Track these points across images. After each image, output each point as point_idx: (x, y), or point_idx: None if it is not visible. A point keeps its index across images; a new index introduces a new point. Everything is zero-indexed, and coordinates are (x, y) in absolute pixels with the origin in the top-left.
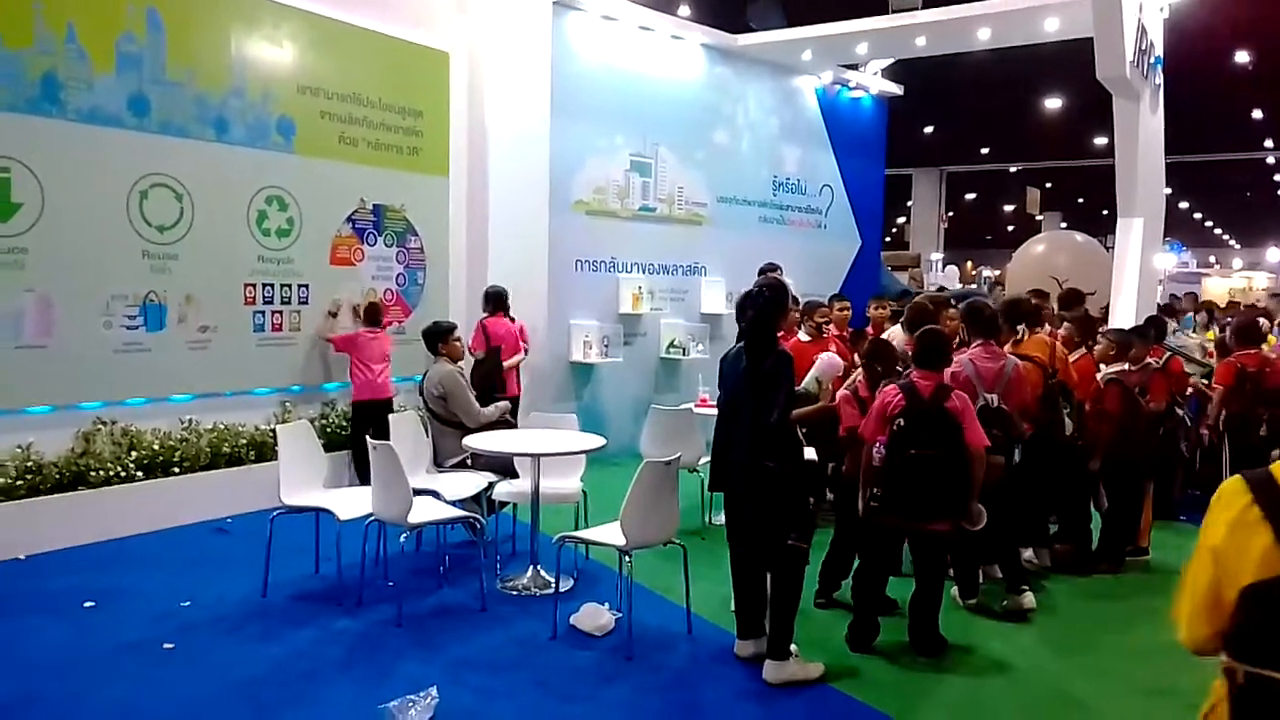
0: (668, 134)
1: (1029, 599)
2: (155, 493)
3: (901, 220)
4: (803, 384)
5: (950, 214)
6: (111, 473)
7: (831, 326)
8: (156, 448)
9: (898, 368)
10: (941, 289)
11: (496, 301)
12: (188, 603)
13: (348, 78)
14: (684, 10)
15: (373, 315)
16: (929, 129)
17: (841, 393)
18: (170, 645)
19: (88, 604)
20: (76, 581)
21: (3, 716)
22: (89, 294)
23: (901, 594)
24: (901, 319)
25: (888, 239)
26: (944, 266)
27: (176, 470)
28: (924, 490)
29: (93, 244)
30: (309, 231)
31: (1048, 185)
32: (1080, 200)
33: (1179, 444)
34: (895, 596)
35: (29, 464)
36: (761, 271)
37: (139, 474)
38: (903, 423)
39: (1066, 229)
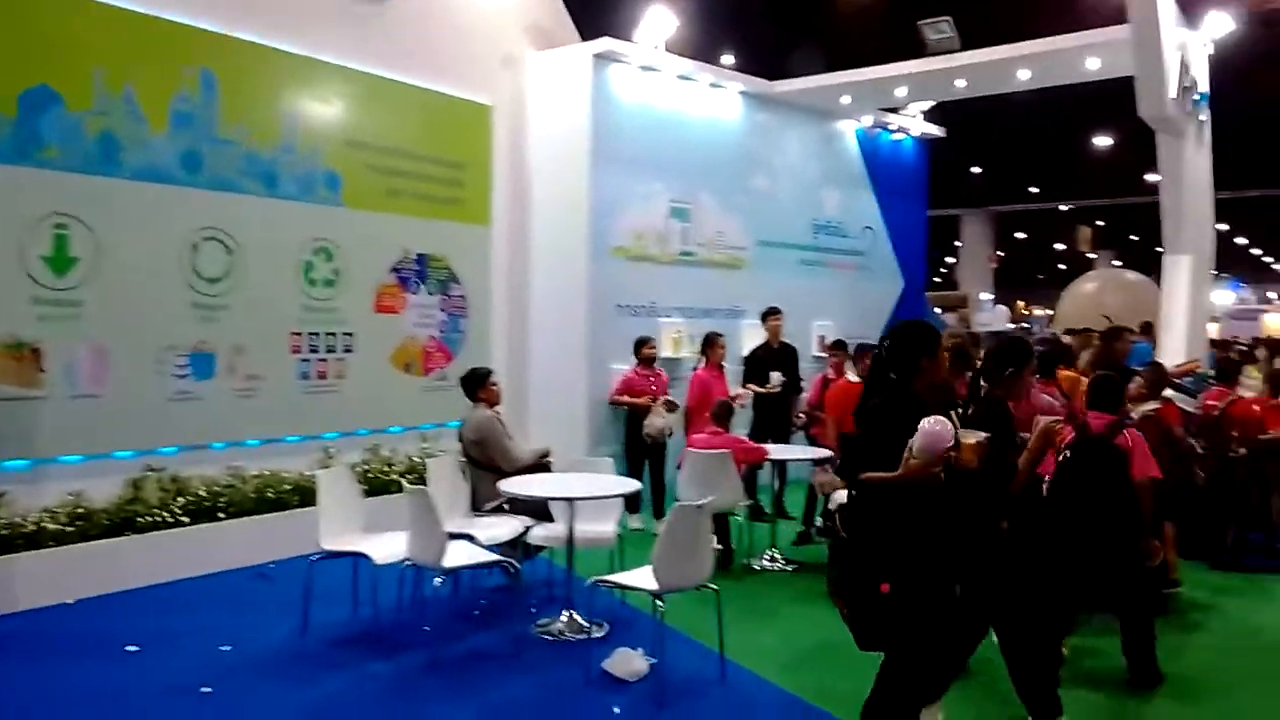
0: (708, 180)
1: None
2: (200, 538)
3: (951, 261)
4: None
5: (1001, 254)
6: (158, 519)
7: None
8: (203, 494)
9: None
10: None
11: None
12: (228, 647)
13: (393, 132)
14: (726, 59)
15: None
16: (976, 169)
17: None
18: (209, 689)
19: (131, 648)
20: (121, 626)
21: None
22: (141, 345)
23: None
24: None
25: (937, 280)
26: (994, 305)
27: (222, 516)
28: None
29: (145, 296)
30: (354, 281)
31: (1099, 223)
32: (1135, 238)
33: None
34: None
35: (79, 510)
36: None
37: (185, 519)
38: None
39: (1120, 267)
